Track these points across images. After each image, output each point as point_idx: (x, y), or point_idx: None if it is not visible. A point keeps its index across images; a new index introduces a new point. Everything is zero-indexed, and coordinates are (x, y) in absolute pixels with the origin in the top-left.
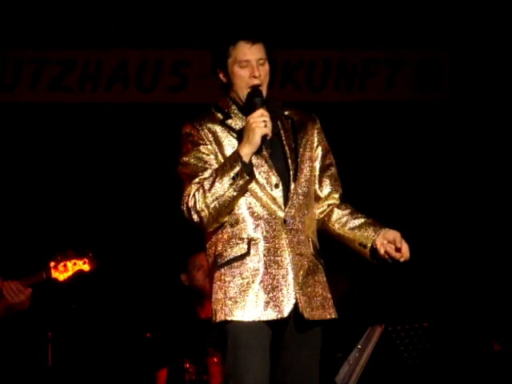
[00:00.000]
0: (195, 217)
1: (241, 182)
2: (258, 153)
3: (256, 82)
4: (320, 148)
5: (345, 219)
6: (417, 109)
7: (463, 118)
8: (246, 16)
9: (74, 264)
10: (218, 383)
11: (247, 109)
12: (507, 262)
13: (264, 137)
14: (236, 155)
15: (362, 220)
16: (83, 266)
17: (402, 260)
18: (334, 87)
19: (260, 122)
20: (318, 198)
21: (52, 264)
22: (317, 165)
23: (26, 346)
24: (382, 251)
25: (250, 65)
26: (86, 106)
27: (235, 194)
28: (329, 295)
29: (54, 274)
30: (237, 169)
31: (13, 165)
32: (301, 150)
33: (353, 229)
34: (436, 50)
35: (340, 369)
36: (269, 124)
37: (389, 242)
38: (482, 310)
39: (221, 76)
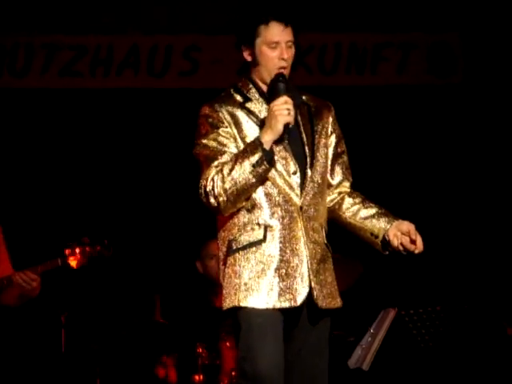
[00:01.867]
0: (213, 201)
1: (260, 170)
2: (279, 140)
3: (283, 64)
4: (334, 135)
5: (356, 208)
6: (429, 92)
7: (476, 101)
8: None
9: (89, 251)
10: (231, 368)
11: (270, 94)
12: None
13: (286, 125)
14: (257, 142)
15: (374, 210)
16: (98, 253)
17: (416, 252)
18: (345, 71)
19: (283, 110)
20: (329, 186)
21: (67, 251)
22: (330, 152)
23: (39, 331)
24: (395, 243)
25: (279, 46)
26: (98, 91)
27: (254, 180)
28: (336, 283)
29: (70, 261)
30: (257, 156)
31: (24, 151)
32: (317, 136)
33: (365, 218)
34: (448, 32)
35: (353, 353)
36: (292, 112)
37: (403, 233)
38: (495, 294)
39: (245, 54)
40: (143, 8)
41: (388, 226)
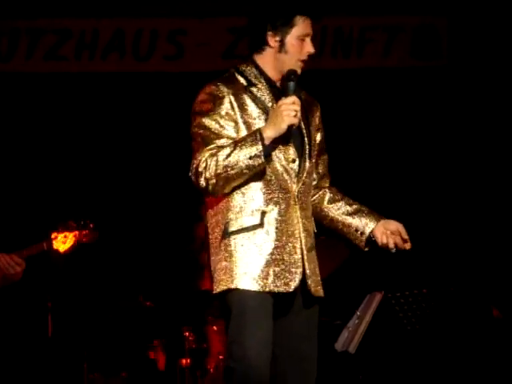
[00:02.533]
0: (202, 182)
1: (256, 164)
2: (280, 138)
3: (306, 58)
4: (320, 133)
5: (339, 204)
6: (415, 75)
7: (461, 84)
8: None
9: (75, 235)
10: (218, 351)
11: (282, 89)
12: (506, 230)
13: (290, 126)
14: (259, 135)
15: (357, 206)
16: (84, 236)
17: (408, 248)
18: (331, 54)
19: (291, 111)
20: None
21: (53, 235)
22: (316, 147)
23: (25, 315)
24: (384, 240)
25: (306, 40)
26: (83, 75)
27: (247, 171)
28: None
29: (55, 245)
30: (256, 150)
31: (10, 135)
32: (311, 128)
33: (349, 214)
34: (433, 15)
35: (339, 336)
36: (298, 114)
37: (392, 233)
38: (481, 277)
39: (271, 38)
40: None
41: (374, 224)
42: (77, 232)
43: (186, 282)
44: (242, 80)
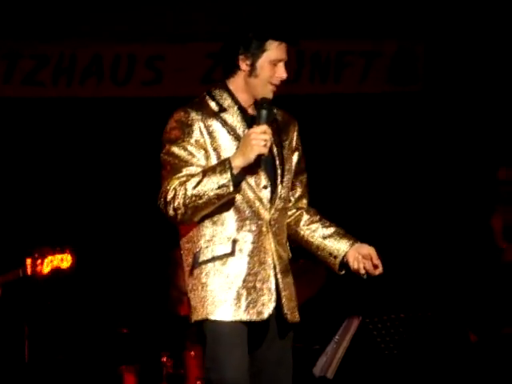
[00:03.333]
0: (171, 212)
1: (225, 193)
2: (250, 167)
3: (278, 82)
4: (297, 152)
5: (315, 226)
6: (391, 100)
7: (436, 110)
8: (287, 15)
9: (52, 261)
10: (196, 377)
11: (253, 116)
12: (483, 254)
13: (259, 156)
14: (227, 165)
15: (333, 229)
16: (61, 262)
17: (376, 274)
18: (308, 79)
19: (260, 140)
20: (288, 201)
21: (29, 261)
22: (292, 168)
23: (1, 341)
24: (355, 266)
25: (279, 65)
26: (61, 100)
27: (216, 201)
28: (296, 298)
29: (31, 271)
30: (225, 179)
31: None
32: (285, 151)
33: (323, 238)
34: (410, 41)
35: (318, 360)
36: (268, 143)
37: (364, 257)
38: (458, 302)
39: (242, 62)
40: (106, 17)
41: (348, 248)
42: (53, 257)
43: (164, 307)
44: (213, 105)
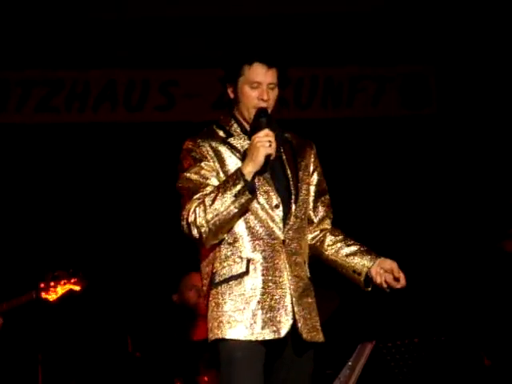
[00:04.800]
0: (195, 232)
1: (243, 200)
2: (261, 172)
3: (263, 104)
4: (316, 173)
5: (338, 246)
6: (404, 124)
7: (451, 133)
8: (265, 38)
9: (64, 284)
10: None
11: (252, 128)
12: (496, 279)
13: (268, 156)
14: (239, 173)
15: (356, 247)
16: (73, 286)
17: (399, 287)
18: (321, 104)
19: (265, 142)
20: (311, 223)
21: (42, 285)
22: (312, 190)
23: (15, 367)
24: (378, 280)
25: (260, 87)
26: (74, 126)
27: (236, 211)
28: (318, 318)
29: (44, 295)
30: (239, 186)
31: (0, 186)
32: (300, 173)
33: (347, 256)
34: (422, 65)
35: None
36: (273, 144)
37: (385, 271)
38: (472, 325)
39: (229, 91)
40: (119, 42)
41: (370, 264)
42: (66, 281)
43: (178, 332)
44: (220, 133)
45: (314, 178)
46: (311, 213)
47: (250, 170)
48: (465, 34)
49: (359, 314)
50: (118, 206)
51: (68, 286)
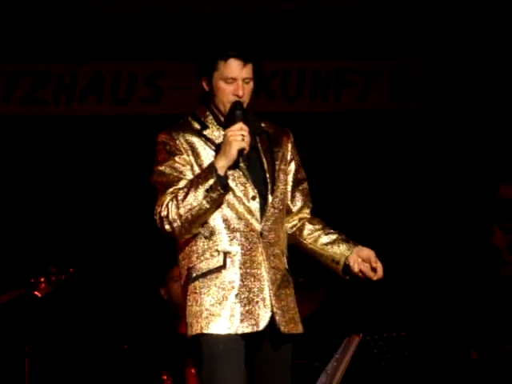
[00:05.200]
0: (167, 227)
1: (214, 195)
2: (234, 166)
3: (236, 99)
4: (293, 162)
5: (317, 234)
6: (392, 118)
7: (438, 127)
8: (240, 33)
9: (55, 280)
10: None
11: (227, 122)
12: (483, 271)
13: (241, 151)
14: (211, 167)
15: (335, 236)
16: (64, 281)
17: (375, 279)
18: (309, 97)
19: (238, 136)
20: (289, 212)
21: (33, 280)
22: (290, 179)
23: (2, 359)
24: (355, 269)
25: (235, 82)
26: (61, 118)
27: (208, 206)
28: (297, 309)
29: (35, 290)
30: (211, 181)
31: None
32: (277, 163)
33: (325, 245)
34: (410, 58)
35: (318, 378)
36: (246, 138)
37: (363, 260)
38: (459, 319)
39: (204, 84)
40: (106, 35)
41: (348, 253)
42: (56, 277)
43: (165, 324)
44: (195, 124)
45: (292, 167)
46: (289, 202)
47: (222, 165)
48: (453, 28)
49: (346, 307)
50: (105, 198)
51: (58, 282)
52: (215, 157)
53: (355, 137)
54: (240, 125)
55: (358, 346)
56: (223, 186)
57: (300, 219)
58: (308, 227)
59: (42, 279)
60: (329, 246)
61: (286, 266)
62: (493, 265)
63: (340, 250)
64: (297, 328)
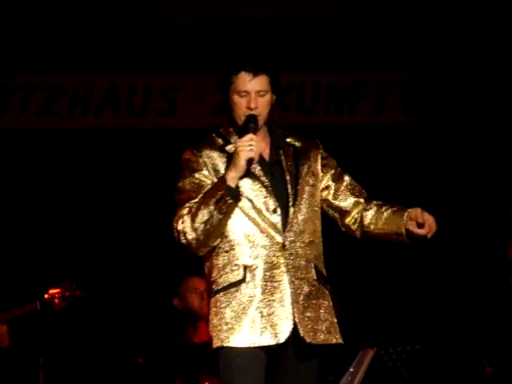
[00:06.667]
0: (183, 240)
1: (224, 206)
2: (254, 179)
3: (250, 112)
4: (328, 168)
5: (375, 218)
6: (407, 131)
7: (453, 140)
8: (252, 46)
9: (69, 294)
10: None
11: (240, 135)
12: (498, 285)
13: (250, 160)
14: (221, 179)
15: (389, 211)
16: (78, 296)
17: (428, 234)
18: (323, 110)
19: (246, 146)
20: (346, 213)
21: (47, 295)
22: (331, 184)
23: (17, 371)
24: (416, 232)
25: (248, 95)
26: (76, 131)
27: (220, 216)
28: (335, 320)
29: (49, 304)
30: (220, 193)
31: (2, 191)
32: (301, 176)
33: (384, 223)
34: (424, 72)
35: None
36: (255, 148)
37: (411, 219)
38: (474, 333)
39: (226, 99)
40: (121, 48)
41: (404, 221)
42: (70, 292)
43: (179, 335)
44: (219, 140)
45: (328, 175)
46: (339, 204)
47: (232, 176)
48: (466, 42)
49: (360, 320)
50: (119, 211)
51: (73, 296)
52: (225, 168)
53: (370, 150)
54: (250, 136)
55: (373, 360)
56: (233, 196)
57: (358, 212)
58: (365, 215)
59: (57, 294)
60: (387, 224)
61: (315, 277)
62: (507, 279)
63: (397, 223)
64: (332, 338)
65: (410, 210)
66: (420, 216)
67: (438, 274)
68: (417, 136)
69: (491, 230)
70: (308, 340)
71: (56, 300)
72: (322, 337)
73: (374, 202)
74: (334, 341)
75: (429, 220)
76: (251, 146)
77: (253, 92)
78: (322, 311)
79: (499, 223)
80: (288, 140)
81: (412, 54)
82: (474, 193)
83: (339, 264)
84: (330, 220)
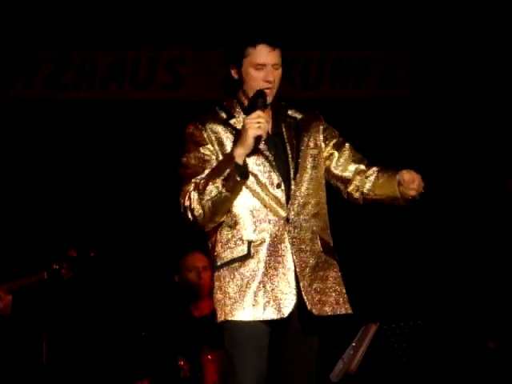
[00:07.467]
0: (190, 216)
1: (232, 183)
2: (258, 153)
3: (267, 85)
4: (331, 140)
5: (373, 185)
6: (411, 106)
7: (459, 115)
8: (267, 19)
9: (75, 265)
10: (212, 381)
11: (249, 110)
12: (501, 261)
13: (258, 138)
14: (229, 156)
15: (384, 177)
16: (83, 266)
17: (414, 193)
18: (328, 85)
19: (254, 124)
20: (347, 181)
21: (54, 265)
22: (334, 153)
23: (20, 343)
24: (409, 193)
25: (265, 69)
26: (82, 103)
27: (228, 194)
28: (344, 290)
29: (57, 274)
30: (228, 170)
31: (8, 162)
32: (303, 148)
33: (380, 189)
34: (430, 48)
35: (335, 366)
36: (263, 125)
37: (399, 183)
38: (476, 308)
39: (232, 72)
40: (127, 20)
41: (398, 184)
42: (77, 261)
43: (181, 309)
44: (222, 114)
45: (330, 145)
46: (341, 173)
47: (239, 153)
48: (473, 17)
49: (363, 295)
50: (124, 184)
51: (79, 267)
52: (233, 145)
53: (375, 125)
54: (258, 113)
55: (375, 335)
56: (241, 173)
57: (360, 180)
58: (365, 182)
59: (64, 264)
60: (383, 190)
61: (321, 249)
62: (508, 256)
63: (392, 188)
64: (341, 308)
65: (399, 172)
66: (407, 177)
67: (441, 249)
68: (422, 111)
69: (494, 203)
70: (316, 313)
71: (63, 270)
72: (329, 308)
73: (374, 169)
74: (344, 311)
75: (415, 178)
76: (259, 123)
77: (269, 65)
78: (329, 282)
79: (500, 197)
80: (289, 112)
81: (418, 30)
82: (479, 167)
83: (342, 238)
84: (334, 191)
